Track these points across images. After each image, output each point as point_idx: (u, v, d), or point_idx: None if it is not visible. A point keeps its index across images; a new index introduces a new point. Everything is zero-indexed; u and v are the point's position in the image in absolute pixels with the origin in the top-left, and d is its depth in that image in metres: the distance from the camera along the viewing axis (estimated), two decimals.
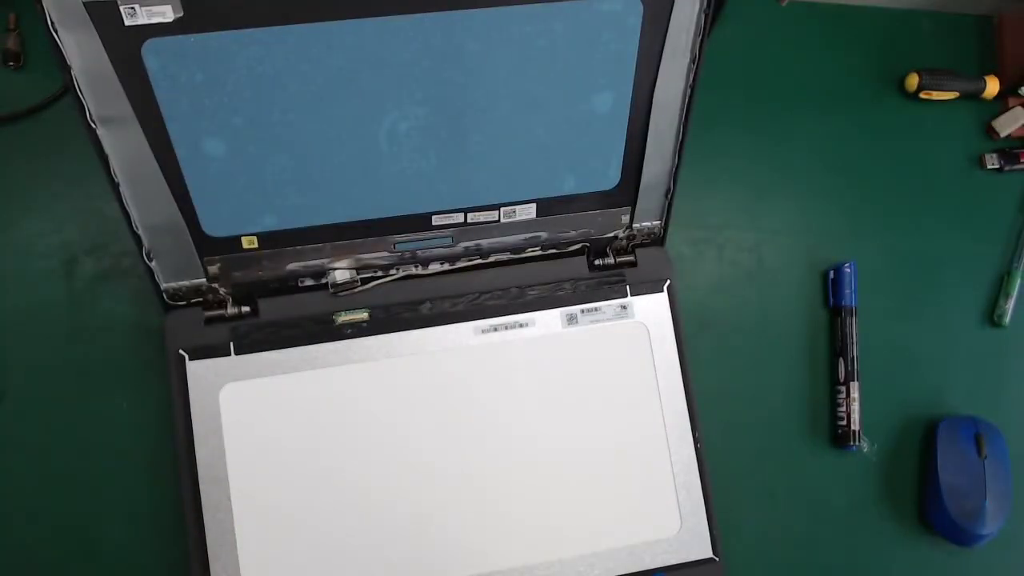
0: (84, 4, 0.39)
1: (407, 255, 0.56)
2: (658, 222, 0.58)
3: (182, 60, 0.42)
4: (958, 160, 0.68)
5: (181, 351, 0.53)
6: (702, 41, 0.48)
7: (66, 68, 0.41)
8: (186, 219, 0.49)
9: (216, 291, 0.54)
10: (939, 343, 0.65)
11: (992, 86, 0.67)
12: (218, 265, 0.53)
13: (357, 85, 0.45)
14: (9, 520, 0.54)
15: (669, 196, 0.56)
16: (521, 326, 0.56)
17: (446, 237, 0.55)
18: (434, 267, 0.57)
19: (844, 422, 0.61)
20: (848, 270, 0.63)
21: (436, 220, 0.54)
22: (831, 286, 0.64)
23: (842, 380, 0.62)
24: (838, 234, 0.65)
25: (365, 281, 0.56)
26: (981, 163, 0.68)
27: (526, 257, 0.58)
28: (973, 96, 0.68)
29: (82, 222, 0.58)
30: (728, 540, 0.56)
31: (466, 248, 0.56)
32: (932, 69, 0.67)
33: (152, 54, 0.41)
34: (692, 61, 0.49)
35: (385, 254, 0.55)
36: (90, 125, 0.43)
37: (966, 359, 0.65)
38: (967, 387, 0.64)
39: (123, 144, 0.45)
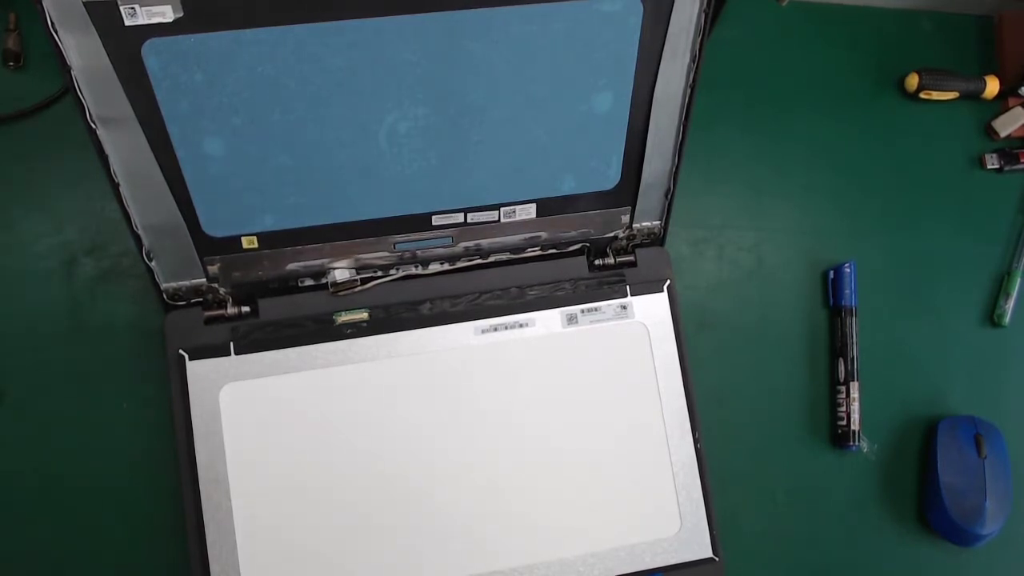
0: (84, 4, 0.39)
1: (407, 255, 0.56)
2: (658, 222, 0.58)
3: (182, 60, 0.42)
4: (958, 160, 0.68)
5: (181, 351, 0.53)
6: (702, 41, 0.48)
7: (66, 68, 0.41)
8: (186, 219, 0.49)
9: (216, 291, 0.54)
10: (939, 343, 0.65)
11: (992, 86, 0.67)
12: (218, 265, 0.53)
13: (357, 85, 0.45)
14: (9, 520, 0.53)
15: (669, 196, 0.56)
16: (521, 326, 0.56)
17: (446, 237, 0.55)
18: (434, 267, 0.57)
19: (844, 422, 0.61)
20: (848, 270, 0.63)
21: (436, 220, 0.54)
22: (831, 286, 0.64)
23: (842, 380, 0.62)
24: (838, 234, 0.65)
25: (365, 281, 0.56)
26: (981, 163, 0.68)
27: (526, 257, 0.58)
28: (973, 96, 0.68)
29: (82, 222, 0.58)
30: (728, 540, 0.56)
31: (466, 248, 0.56)
32: (932, 69, 0.67)
33: (152, 54, 0.41)
34: (692, 61, 0.49)
35: (385, 254, 0.55)
36: (90, 125, 0.43)
37: (966, 359, 0.65)
38: (967, 387, 0.64)
39: (123, 144, 0.45)
